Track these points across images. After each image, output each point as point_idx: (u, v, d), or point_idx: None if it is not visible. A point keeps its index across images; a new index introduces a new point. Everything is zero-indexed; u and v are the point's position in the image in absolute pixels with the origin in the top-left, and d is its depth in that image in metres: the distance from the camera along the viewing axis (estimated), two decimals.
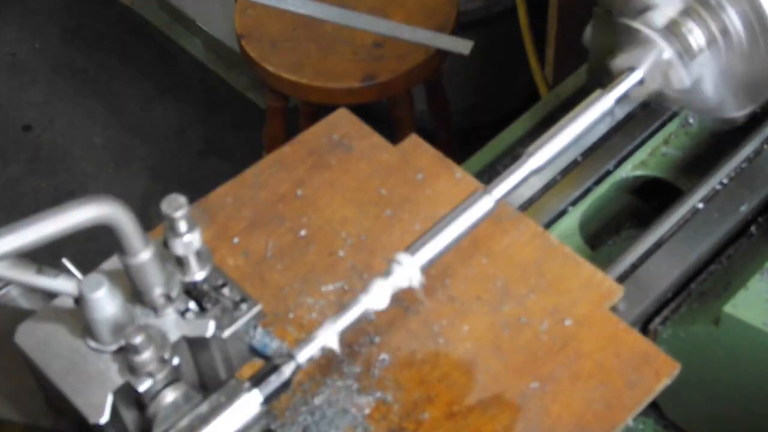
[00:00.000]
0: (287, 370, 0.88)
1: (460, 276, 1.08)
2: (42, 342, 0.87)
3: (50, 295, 0.89)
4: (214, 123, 3.22)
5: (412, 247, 0.94)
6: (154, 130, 3.21)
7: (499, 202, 0.97)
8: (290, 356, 0.88)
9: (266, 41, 2.32)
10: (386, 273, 0.92)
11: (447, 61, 2.35)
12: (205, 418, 0.85)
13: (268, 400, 0.88)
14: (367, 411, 0.99)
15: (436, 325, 1.05)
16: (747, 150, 1.50)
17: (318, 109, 2.31)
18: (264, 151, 2.62)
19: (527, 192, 1.51)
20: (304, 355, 0.88)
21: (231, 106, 3.22)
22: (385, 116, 2.35)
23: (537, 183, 1.55)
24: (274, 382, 0.88)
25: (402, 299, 1.06)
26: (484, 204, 0.97)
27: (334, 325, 0.89)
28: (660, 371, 1.00)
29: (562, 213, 1.53)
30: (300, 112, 2.54)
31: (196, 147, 3.16)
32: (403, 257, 0.93)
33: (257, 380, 0.88)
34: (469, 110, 2.98)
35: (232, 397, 0.87)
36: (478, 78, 2.93)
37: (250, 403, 0.87)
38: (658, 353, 1.01)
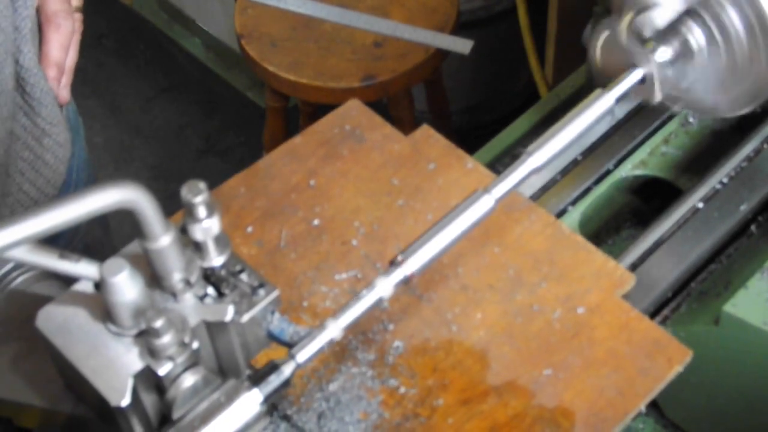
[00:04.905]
0: (287, 370, 0.89)
1: (472, 265, 1.09)
2: (62, 326, 0.87)
3: (68, 281, 0.89)
4: (214, 123, 3.22)
5: (411, 247, 0.94)
6: (153, 129, 3.22)
7: (500, 202, 0.98)
8: (291, 356, 0.89)
9: (266, 41, 2.33)
10: (386, 273, 0.93)
11: (447, 61, 2.36)
12: (205, 418, 0.86)
13: (267, 399, 0.88)
14: (381, 397, 0.99)
15: (449, 313, 1.05)
16: (747, 149, 1.50)
17: (318, 109, 2.31)
18: (264, 151, 2.63)
19: (527, 192, 1.52)
20: (304, 354, 0.89)
21: (231, 106, 3.22)
22: (385, 116, 2.36)
23: (537, 183, 1.55)
24: (274, 381, 0.88)
25: (415, 288, 1.07)
26: (484, 203, 0.97)
27: (335, 323, 0.90)
28: (672, 359, 1.01)
29: (562, 212, 1.53)
30: (300, 112, 2.55)
31: (196, 147, 3.17)
32: (403, 257, 0.93)
33: (257, 380, 0.88)
34: (469, 110, 3.00)
35: (232, 397, 0.87)
36: (478, 78, 2.94)
37: (250, 403, 0.88)
38: (670, 341, 1.02)
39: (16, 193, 1.34)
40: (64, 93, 1.36)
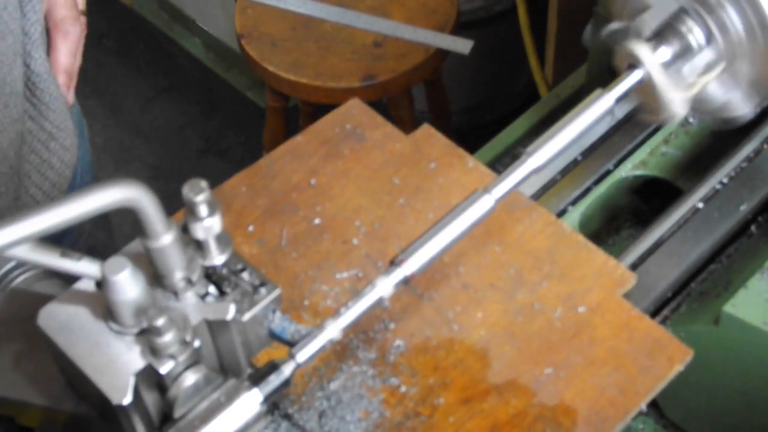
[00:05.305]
0: (287, 370, 0.89)
1: (473, 264, 1.09)
2: (64, 325, 0.87)
3: (70, 280, 0.89)
4: (214, 123, 3.22)
5: (411, 247, 0.94)
6: (153, 129, 3.22)
7: (499, 202, 0.98)
8: (291, 356, 0.89)
9: (266, 41, 2.33)
10: (386, 273, 0.93)
11: (447, 61, 2.36)
12: (205, 418, 0.86)
13: (267, 399, 0.88)
14: (382, 396, 0.99)
15: (450, 311, 1.05)
16: (747, 150, 1.50)
17: (318, 109, 2.32)
18: (264, 151, 2.63)
19: (527, 192, 1.51)
20: (304, 354, 0.89)
21: (231, 106, 3.22)
22: (386, 116, 2.36)
23: (537, 183, 1.55)
24: (274, 381, 0.88)
25: (415, 287, 1.07)
26: (484, 203, 0.97)
27: (335, 323, 0.90)
28: (673, 357, 1.01)
29: (562, 213, 1.53)
30: (300, 112, 2.55)
31: (196, 147, 3.17)
32: (403, 257, 0.93)
33: (257, 379, 0.88)
34: (469, 110, 3.00)
35: (231, 397, 0.87)
36: (478, 78, 2.95)
37: (249, 403, 0.87)
38: (671, 340, 1.02)
39: (23, 196, 1.34)
40: (70, 96, 1.37)
